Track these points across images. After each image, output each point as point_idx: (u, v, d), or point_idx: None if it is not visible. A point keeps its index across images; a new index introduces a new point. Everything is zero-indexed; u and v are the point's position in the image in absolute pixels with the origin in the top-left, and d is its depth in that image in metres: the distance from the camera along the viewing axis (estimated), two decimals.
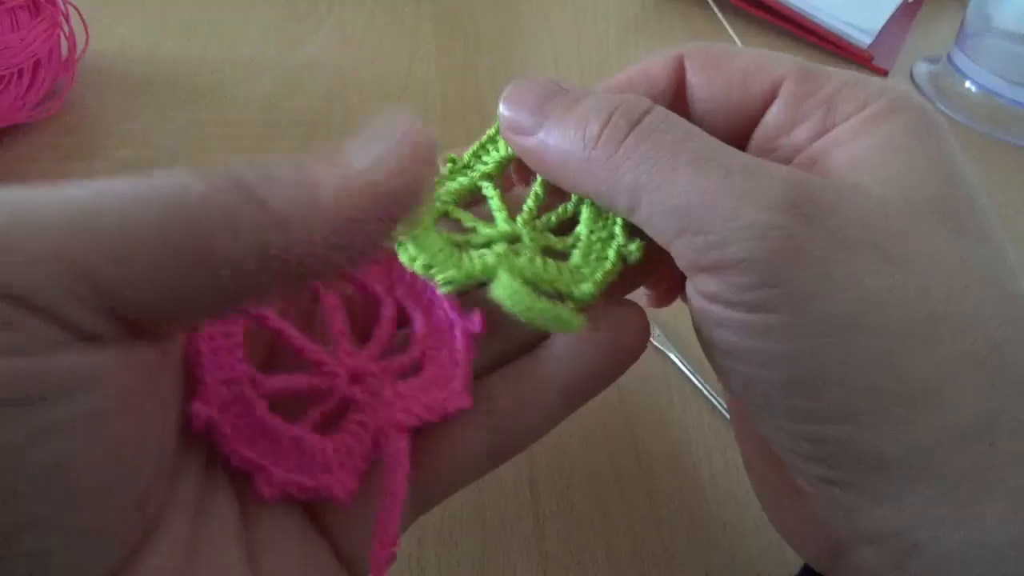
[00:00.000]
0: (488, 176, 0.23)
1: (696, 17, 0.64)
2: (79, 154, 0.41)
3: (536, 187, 0.22)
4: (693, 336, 0.20)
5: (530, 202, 0.22)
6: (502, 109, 0.20)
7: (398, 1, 0.60)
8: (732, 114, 0.20)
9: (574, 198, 0.22)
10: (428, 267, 0.19)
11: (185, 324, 0.15)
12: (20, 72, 0.40)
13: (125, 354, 0.13)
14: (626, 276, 0.21)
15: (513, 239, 0.21)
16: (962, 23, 0.59)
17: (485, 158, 0.23)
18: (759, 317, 0.17)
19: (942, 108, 0.57)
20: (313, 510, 0.18)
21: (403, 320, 0.21)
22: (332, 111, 0.47)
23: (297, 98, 0.47)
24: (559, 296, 0.20)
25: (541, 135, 0.19)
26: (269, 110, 0.46)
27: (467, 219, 0.22)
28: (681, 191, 0.17)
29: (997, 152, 0.54)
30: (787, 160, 0.20)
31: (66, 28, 0.43)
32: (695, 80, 0.21)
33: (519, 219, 0.22)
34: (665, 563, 0.28)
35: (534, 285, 0.19)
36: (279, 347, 0.20)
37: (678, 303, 0.25)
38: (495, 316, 0.19)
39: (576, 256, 0.21)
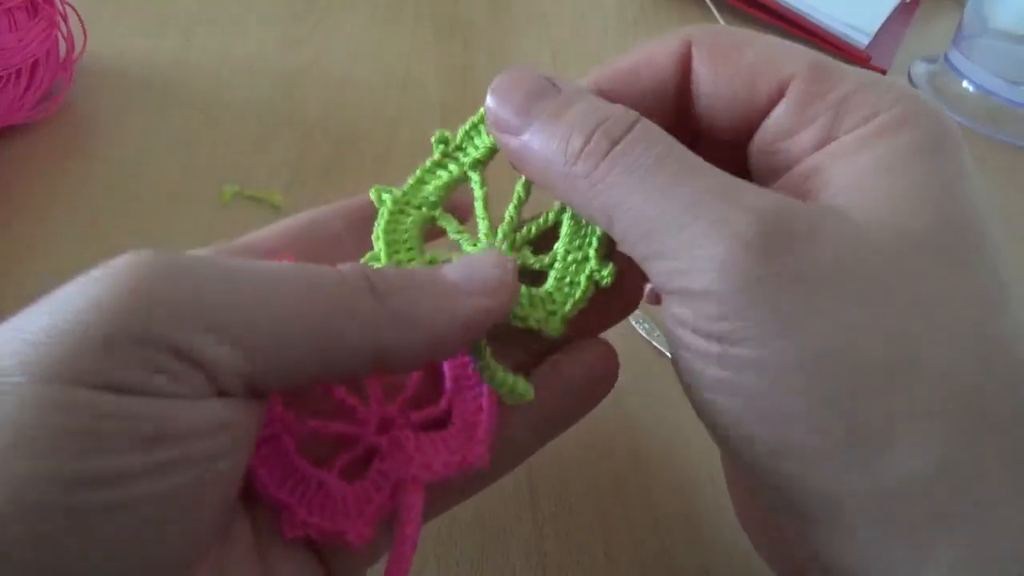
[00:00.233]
0: (478, 163, 0.23)
1: (694, 16, 0.64)
2: (77, 155, 0.41)
3: (519, 187, 0.22)
4: None
5: (511, 209, 0.22)
6: (489, 101, 0.20)
7: (396, 1, 0.60)
8: (736, 112, 0.20)
9: (556, 205, 0.22)
10: None
11: (291, 390, 0.17)
12: (18, 73, 0.40)
13: (242, 409, 0.16)
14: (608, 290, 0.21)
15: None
16: (959, 23, 0.59)
17: (477, 141, 0.23)
18: (723, 348, 0.17)
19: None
20: (318, 545, 0.19)
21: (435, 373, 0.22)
22: (330, 112, 0.47)
23: (295, 98, 0.47)
24: (530, 331, 0.20)
25: (525, 137, 0.19)
26: (267, 110, 0.46)
27: (452, 229, 0.22)
28: (651, 216, 0.17)
29: (995, 152, 0.54)
30: (787, 166, 0.19)
31: (64, 29, 0.43)
32: (701, 71, 0.20)
33: (500, 230, 0.22)
34: (664, 563, 0.28)
35: (516, 322, 0.20)
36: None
37: None
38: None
39: (550, 281, 0.21)
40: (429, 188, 0.23)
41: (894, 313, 0.16)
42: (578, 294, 0.20)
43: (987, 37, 0.57)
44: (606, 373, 0.22)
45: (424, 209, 0.22)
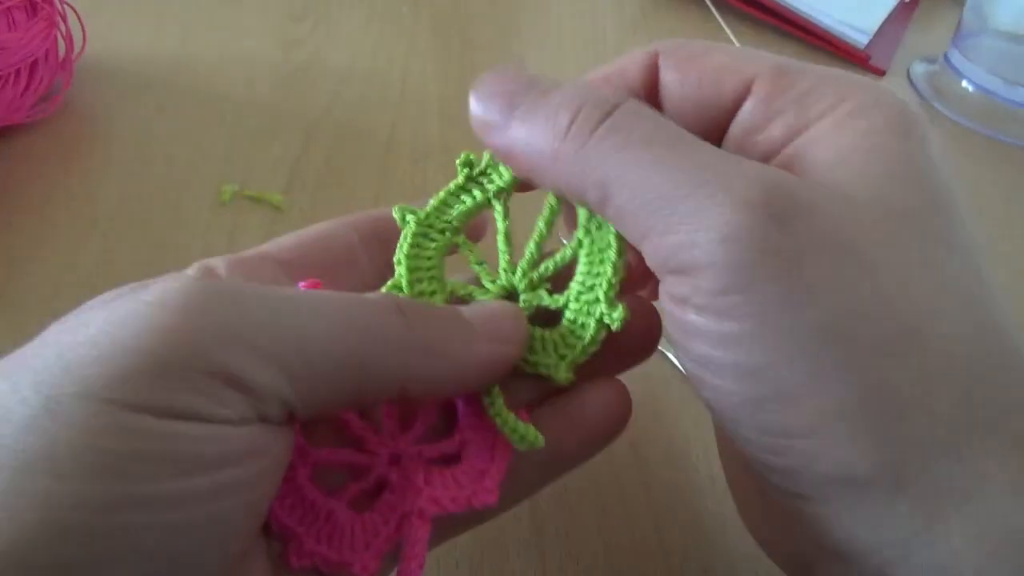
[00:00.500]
0: (501, 192, 0.22)
1: (694, 17, 0.64)
2: (76, 154, 0.41)
3: (541, 222, 0.22)
4: None
5: (532, 245, 0.22)
6: (472, 104, 0.20)
7: (396, 1, 0.60)
8: (704, 111, 0.20)
9: (573, 243, 0.21)
10: None
11: (321, 416, 0.17)
12: (17, 72, 0.40)
13: (279, 435, 0.16)
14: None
15: (510, 293, 0.22)
16: (959, 23, 0.59)
17: (502, 168, 0.22)
18: (727, 325, 0.16)
19: (939, 108, 0.57)
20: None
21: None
22: (330, 112, 0.47)
23: (294, 98, 0.47)
24: (540, 377, 0.21)
25: (511, 130, 0.19)
26: (267, 110, 0.46)
27: (473, 260, 0.22)
28: (650, 187, 0.17)
29: (994, 152, 0.54)
30: (764, 158, 0.19)
31: (63, 28, 0.43)
32: (668, 78, 0.20)
33: (520, 267, 0.22)
34: (664, 563, 0.28)
35: (521, 366, 0.20)
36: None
37: None
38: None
39: (564, 324, 0.21)
40: (453, 212, 0.22)
41: (895, 284, 0.16)
42: (587, 338, 0.20)
43: (987, 37, 0.57)
44: (618, 416, 0.22)
45: (447, 234, 0.22)
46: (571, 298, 0.21)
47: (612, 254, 0.20)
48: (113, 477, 0.13)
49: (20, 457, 0.13)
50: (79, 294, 0.18)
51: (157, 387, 0.14)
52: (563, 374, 0.20)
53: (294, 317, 0.16)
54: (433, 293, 0.21)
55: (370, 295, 0.18)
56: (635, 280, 0.23)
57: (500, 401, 0.20)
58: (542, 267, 0.21)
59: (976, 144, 0.54)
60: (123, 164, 0.41)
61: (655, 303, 0.26)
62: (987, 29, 0.57)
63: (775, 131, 0.19)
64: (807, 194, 0.16)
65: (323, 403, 0.17)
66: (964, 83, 0.57)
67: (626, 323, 0.20)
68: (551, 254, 0.22)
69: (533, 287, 0.21)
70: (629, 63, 0.21)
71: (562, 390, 0.21)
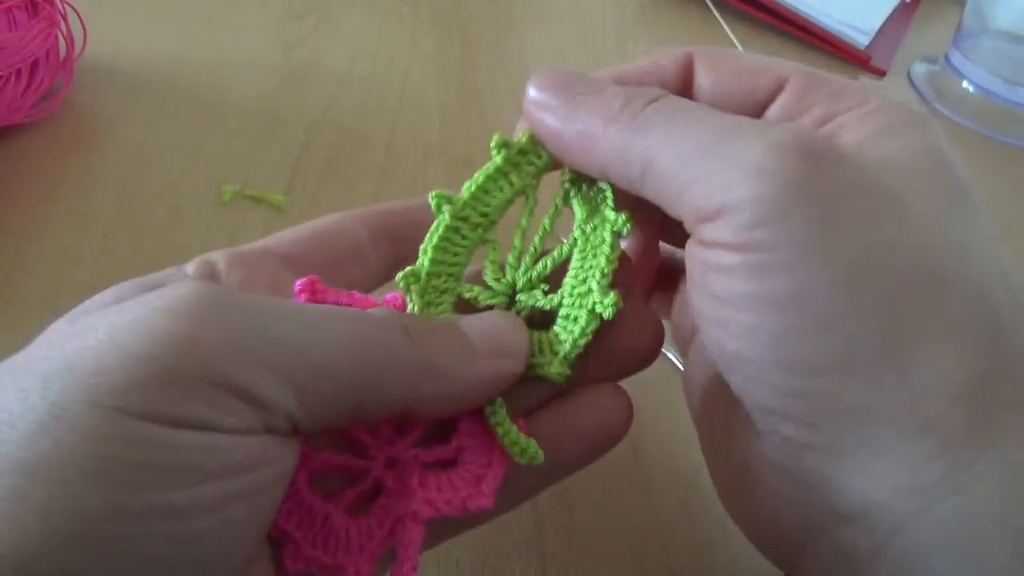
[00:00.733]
0: (539, 174, 0.22)
1: (694, 17, 0.64)
2: (77, 154, 0.41)
3: (545, 221, 0.22)
4: None
5: (537, 240, 0.22)
6: (529, 88, 0.21)
7: (395, 1, 0.60)
8: (735, 105, 0.21)
9: (569, 241, 0.22)
10: None
11: (325, 429, 0.17)
12: (18, 72, 0.40)
13: (285, 446, 0.16)
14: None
15: (511, 298, 0.22)
16: (959, 23, 0.59)
17: (534, 158, 0.22)
18: (760, 256, 0.17)
19: (940, 108, 0.57)
20: None
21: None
22: (330, 111, 0.47)
23: (295, 98, 0.47)
24: (538, 378, 0.20)
25: (564, 112, 0.20)
26: (267, 110, 0.46)
27: (491, 258, 0.22)
28: (690, 142, 0.18)
29: (994, 152, 0.54)
30: None
31: (64, 28, 0.43)
32: (702, 78, 0.21)
33: (521, 270, 0.22)
34: (664, 562, 0.28)
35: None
36: None
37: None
38: None
39: (558, 322, 0.21)
40: (493, 203, 0.22)
41: (927, 226, 0.17)
42: (578, 330, 0.20)
43: (987, 37, 0.57)
44: (618, 422, 0.21)
45: (480, 231, 0.22)
46: (564, 294, 0.21)
47: (606, 247, 0.21)
48: (117, 485, 0.13)
49: (24, 463, 0.13)
50: (79, 294, 0.18)
51: (164, 396, 0.14)
52: (556, 369, 0.20)
53: (302, 332, 0.16)
54: (444, 292, 0.21)
55: (376, 311, 0.18)
56: (634, 282, 0.23)
57: (503, 412, 0.20)
58: (539, 266, 0.21)
59: (976, 144, 0.54)
60: (123, 164, 0.41)
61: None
62: (988, 29, 0.57)
63: (807, 120, 0.20)
64: (834, 149, 0.18)
65: (326, 418, 0.17)
66: (965, 83, 0.57)
67: (624, 320, 0.20)
68: (548, 252, 0.22)
69: (531, 287, 0.21)
70: (665, 60, 0.22)
71: (561, 393, 0.21)
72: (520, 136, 0.22)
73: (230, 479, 0.15)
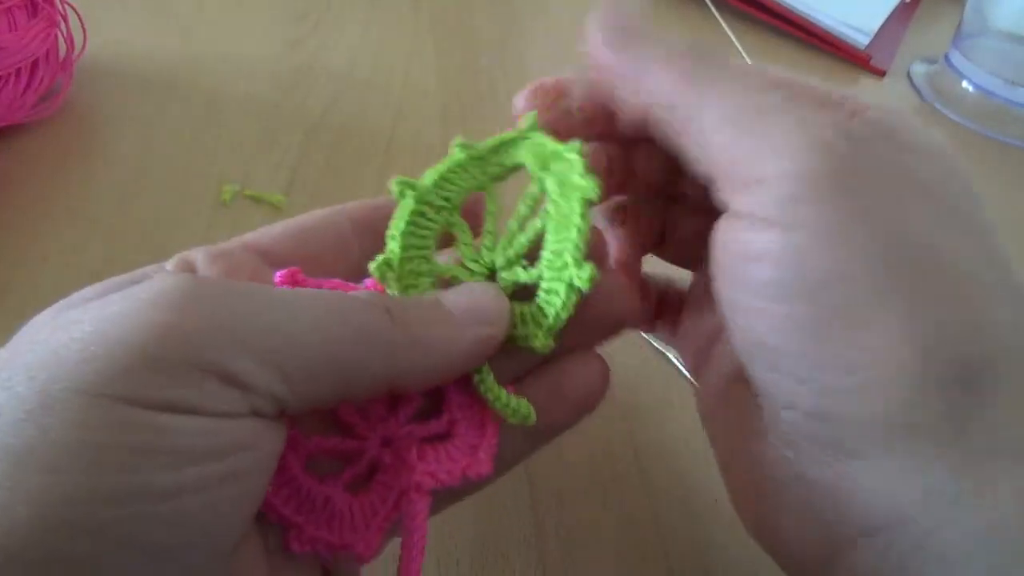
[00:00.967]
0: (498, 178, 0.23)
1: (694, 17, 0.64)
2: (77, 154, 0.41)
3: (521, 205, 0.22)
4: None
5: (514, 223, 0.22)
6: (591, 24, 0.21)
7: (396, 1, 0.60)
8: None
9: (541, 214, 0.22)
10: None
11: (311, 411, 0.18)
12: (18, 72, 0.40)
13: (272, 429, 0.17)
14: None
15: (491, 273, 0.22)
16: (959, 23, 0.60)
17: (503, 157, 0.23)
18: (796, 236, 0.16)
19: (939, 108, 0.57)
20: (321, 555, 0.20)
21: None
22: (331, 112, 0.47)
23: (295, 98, 0.47)
24: (521, 350, 0.21)
25: (626, 38, 0.20)
26: (268, 110, 0.46)
27: (464, 240, 0.22)
28: (750, 98, 0.18)
29: (994, 152, 0.54)
30: None
31: (64, 28, 0.43)
32: None
33: (499, 248, 0.22)
34: (664, 562, 0.28)
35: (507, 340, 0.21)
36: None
37: None
38: None
39: (540, 295, 0.21)
40: (454, 189, 0.23)
41: (959, 228, 0.17)
42: (559, 303, 0.20)
43: (987, 37, 0.57)
44: (597, 386, 0.22)
45: (444, 214, 0.22)
46: (543, 268, 0.21)
47: (577, 219, 0.21)
48: (106, 470, 0.14)
49: (13, 451, 0.13)
50: None
51: (149, 381, 0.14)
52: (541, 342, 0.20)
53: (285, 315, 0.16)
54: (421, 275, 0.22)
55: (358, 293, 0.18)
56: (606, 252, 0.23)
57: (490, 378, 0.20)
58: (515, 243, 0.22)
59: (976, 144, 0.54)
60: (123, 164, 0.41)
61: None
62: (987, 29, 0.57)
63: None
64: (887, 129, 0.17)
65: (314, 399, 0.17)
66: (964, 83, 0.57)
67: (598, 289, 0.20)
68: (521, 231, 0.22)
69: (510, 264, 0.22)
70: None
71: (544, 362, 0.22)
72: (484, 145, 0.23)
73: (216, 461, 0.15)
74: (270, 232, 0.22)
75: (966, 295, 0.16)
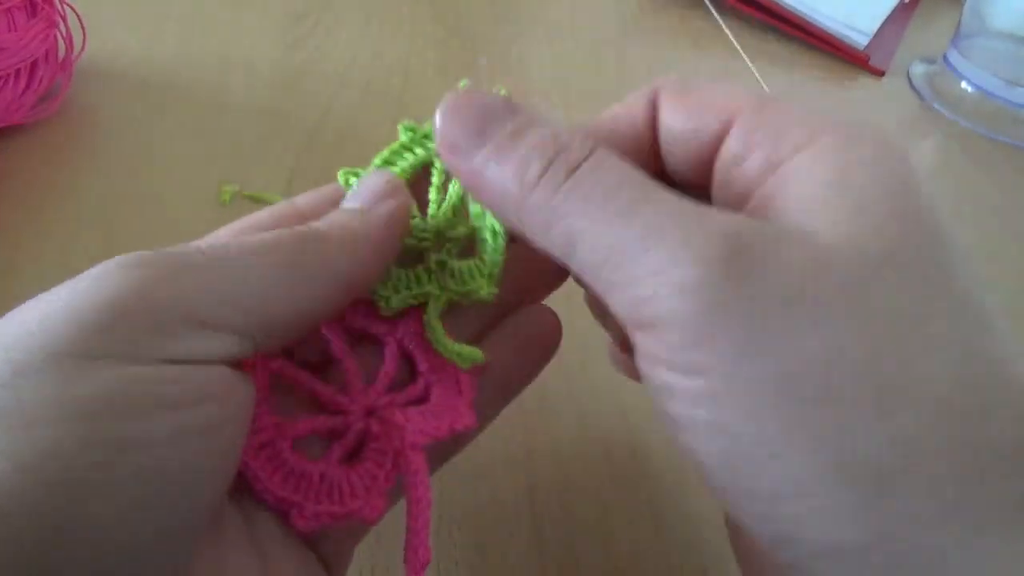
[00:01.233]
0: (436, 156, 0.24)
1: (693, 18, 0.64)
2: (77, 155, 0.41)
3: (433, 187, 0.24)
4: None
5: (453, 185, 0.24)
6: (438, 120, 0.19)
7: (396, 2, 0.60)
8: (693, 145, 0.20)
9: None
10: (373, 292, 0.22)
11: (283, 342, 0.19)
12: (17, 73, 0.40)
13: (242, 380, 0.17)
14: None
15: (442, 235, 0.23)
16: (958, 23, 0.60)
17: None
18: (695, 382, 0.16)
19: (938, 108, 0.58)
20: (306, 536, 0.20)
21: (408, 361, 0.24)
22: (330, 112, 0.47)
23: (295, 99, 0.47)
24: (473, 303, 0.23)
25: (478, 161, 0.18)
26: (267, 110, 0.46)
27: (411, 211, 0.23)
28: (611, 242, 0.17)
29: (993, 152, 0.54)
30: (744, 194, 0.19)
31: (63, 29, 0.43)
32: (663, 111, 0.20)
33: (443, 206, 0.24)
34: (664, 563, 0.28)
35: (458, 299, 0.23)
36: (284, 388, 0.22)
37: None
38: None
39: (480, 245, 0.23)
40: (396, 170, 0.24)
41: (868, 333, 0.15)
42: (490, 249, 0.22)
43: (986, 37, 0.57)
44: (551, 334, 0.25)
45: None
46: (474, 220, 0.23)
47: None
48: (79, 424, 0.14)
49: None
50: None
51: (116, 334, 0.15)
52: (486, 289, 0.22)
53: (236, 261, 0.18)
54: None
55: (277, 232, 0.19)
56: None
57: (440, 331, 0.22)
58: (446, 202, 0.24)
59: (975, 145, 0.54)
60: (123, 164, 0.41)
61: None
62: (986, 30, 0.57)
63: (752, 165, 0.18)
64: (771, 242, 0.16)
65: (274, 326, 0.18)
66: (963, 84, 0.58)
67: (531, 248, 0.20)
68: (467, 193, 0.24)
69: (452, 225, 0.23)
70: (634, 100, 0.21)
71: (496, 322, 0.24)
72: (427, 124, 0.24)
73: (186, 410, 0.15)
74: (249, 222, 0.23)
75: (879, 415, 0.15)
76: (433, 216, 0.24)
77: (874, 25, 0.63)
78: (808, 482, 0.15)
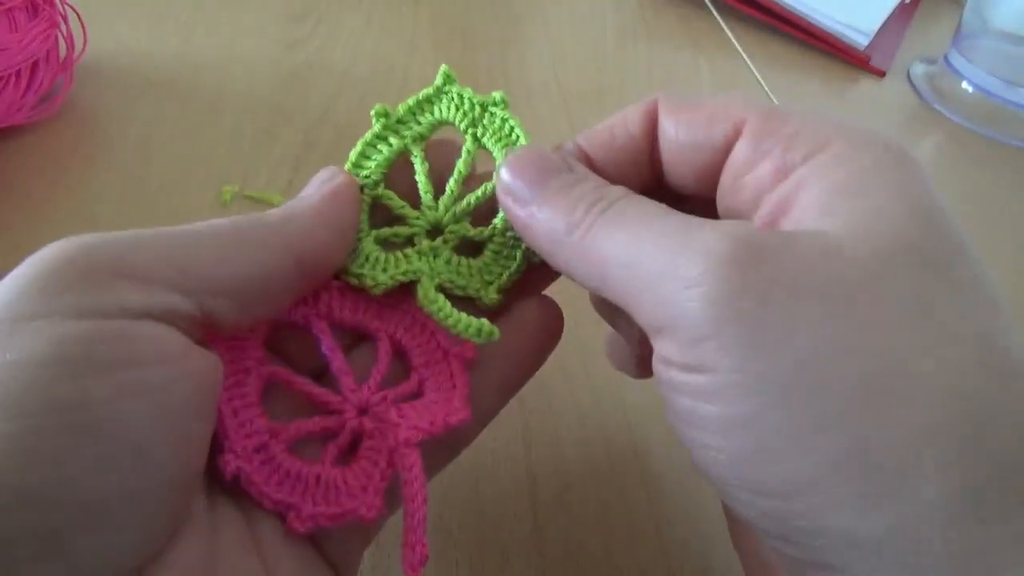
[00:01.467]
0: (420, 137, 0.24)
1: (693, 18, 0.64)
2: (77, 155, 0.41)
3: (460, 163, 0.24)
4: None
5: (452, 183, 0.23)
6: (503, 174, 0.21)
7: (396, 1, 0.60)
8: (698, 154, 0.20)
9: (494, 179, 0.22)
10: (359, 274, 0.22)
11: (243, 320, 0.19)
12: (18, 73, 0.40)
13: (208, 358, 0.18)
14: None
15: (435, 228, 0.23)
16: (959, 24, 0.60)
17: (421, 117, 0.24)
18: (704, 378, 0.16)
19: (939, 108, 0.57)
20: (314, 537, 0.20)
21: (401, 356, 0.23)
22: (330, 112, 0.47)
23: (295, 99, 0.47)
24: (469, 299, 0.23)
25: (534, 208, 0.20)
26: (267, 110, 0.46)
27: (396, 205, 0.23)
28: (631, 256, 0.18)
29: (994, 152, 0.54)
30: (754, 201, 0.19)
31: (64, 29, 0.43)
32: (665, 122, 0.21)
33: (441, 202, 0.23)
34: (664, 562, 0.28)
35: (449, 288, 0.23)
36: (277, 388, 0.22)
37: None
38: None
39: (488, 253, 0.23)
40: (371, 165, 0.24)
41: (881, 324, 0.15)
42: (513, 267, 0.23)
43: (987, 38, 0.57)
44: (554, 325, 0.24)
45: (367, 190, 0.23)
46: (496, 230, 0.23)
47: None
48: (40, 384, 0.14)
49: None
50: None
51: (50, 292, 0.15)
52: (492, 296, 0.23)
53: (174, 231, 0.18)
54: (359, 240, 0.23)
55: (237, 218, 0.21)
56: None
57: (447, 306, 0.22)
58: (464, 201, 0.23)
59: (976, 145, 0.54)
60: (123, 164, 0.41)
61: None
62: (987, 30, 0.57)
63: (763, 171, 0.19)
64: (776, 241, 0.16)
65: (225, 291, 0.18)
66: (964, 84, 0.57)
67: None
68: (470, 192, 0.23)
69: (457, 220, 0.23)
70: (631, 113, 0.22)
71: (495, 314, 0.23)
72: (402, 107, 0.24)
73: (124, 370, 0.15)
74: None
75: (884, 408, 0.15)
76: (427, 205, 0.23)
77: (875, 25, 0.63)
78: (821, 474, 0.15)
